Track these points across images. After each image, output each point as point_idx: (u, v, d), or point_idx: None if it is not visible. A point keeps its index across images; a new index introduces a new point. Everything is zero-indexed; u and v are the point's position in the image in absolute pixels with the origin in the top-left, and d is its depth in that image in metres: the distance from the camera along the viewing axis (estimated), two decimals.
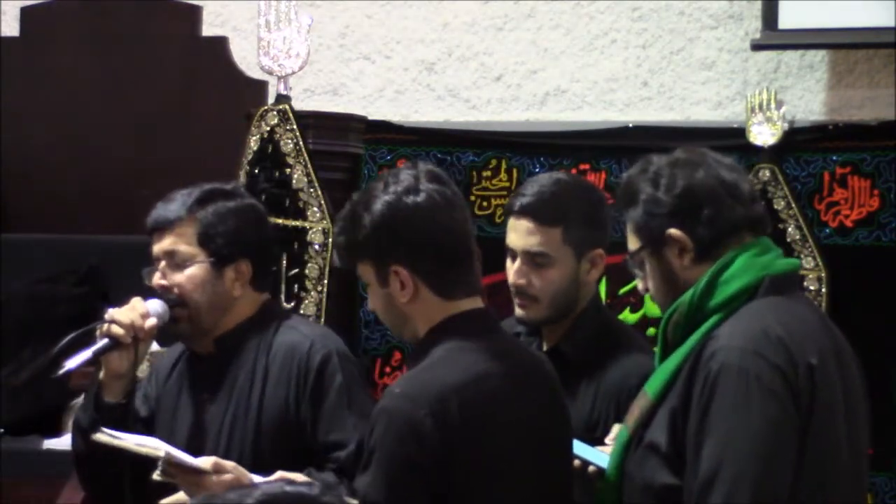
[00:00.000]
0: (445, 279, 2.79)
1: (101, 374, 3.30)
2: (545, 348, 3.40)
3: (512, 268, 3.37)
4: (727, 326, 2.72)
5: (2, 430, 4.71)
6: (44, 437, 4.67)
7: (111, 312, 3.27)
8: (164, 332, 3.38)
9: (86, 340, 3.27)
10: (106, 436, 3.07)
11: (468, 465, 2.69)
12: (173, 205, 3.35)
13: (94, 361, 3.25)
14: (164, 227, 3.33)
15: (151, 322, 3.26)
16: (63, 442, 4.63)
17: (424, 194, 2.78)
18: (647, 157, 2.87)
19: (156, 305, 3.29)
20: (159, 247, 3.33)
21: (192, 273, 3.30)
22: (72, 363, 3.20)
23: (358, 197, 2.85)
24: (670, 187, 2.79)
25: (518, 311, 3.39)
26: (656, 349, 2.86)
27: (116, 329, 3.24)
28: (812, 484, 2.67)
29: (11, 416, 4.74)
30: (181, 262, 3.31)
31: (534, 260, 3.34)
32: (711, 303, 2.75)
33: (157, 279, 3.32)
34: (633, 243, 2.85)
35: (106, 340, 3.25)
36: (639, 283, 2.89)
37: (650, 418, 2.75)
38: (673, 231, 2.78)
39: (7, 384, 4.76)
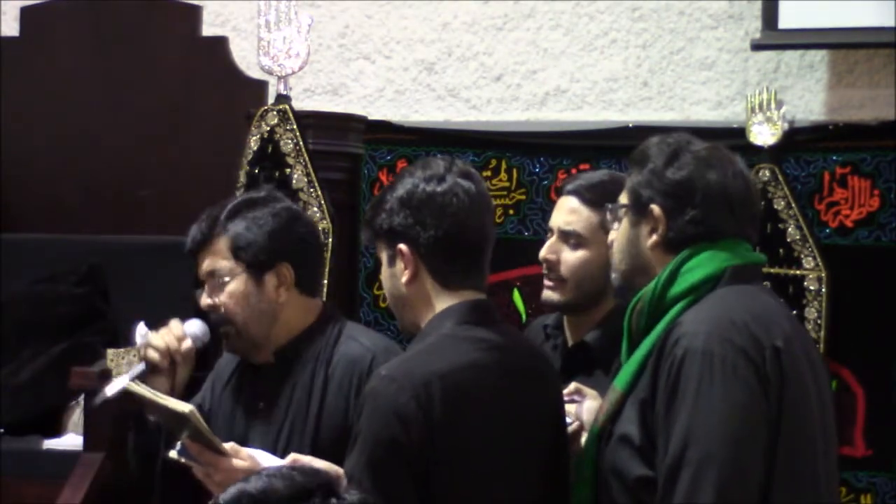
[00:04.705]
0: (448, 269, 2.85)
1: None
2: (570, 343, 3.42)
3: (546, 244, 3.41)
4: (691, 313, 2.73)
5: (2, 430, 4.71)
6: (44, 437, 4.66)
7: (149, 336, 3.26)
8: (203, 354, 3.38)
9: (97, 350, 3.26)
10: (138, 387, 3.07)
11: (449, 449, 2.72)
12: (203, 224, 3.36)
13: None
14: (199, 249, 3.33)
15: (187, 345, 3.25)
16: (63, 442, 4.62)
17: (447, 185, 2.85)
18: (682, 134, 2.89)
19: (194, 327, 3.31)
20: (201, 269, 3.34)
21: (233, 289, 3.30)
22: (110, 390, 3.17)
23: (393, 179, 2.95)
24: (677, 171, 2.81)
25: (545, 294, 3.42)
26: (623, 341, 2.87)
27: (152, 354, 3.24)
28: (789, 470, 2.65)
29: (11, 416, 4.74)
30: (221, 279, 3.30)
31: (567, 239, 3.39)
32: (674, 291, 2.77)
33: (203, 300, 3.33)
34: (623, 197, 2.89)
35: (142, 365, 3.24)
36: (611, 234, 2.94)
37: (620, 410, 2.75)
38: (656, 208, 2.80)
39: (7, 384, 4.77)
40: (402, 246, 2.85)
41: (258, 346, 3.33)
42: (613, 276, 2.91)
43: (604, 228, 3.33)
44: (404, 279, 2.85)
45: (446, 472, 2.71)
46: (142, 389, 3.06)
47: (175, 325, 3.29)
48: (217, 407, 3.38)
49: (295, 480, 2.12)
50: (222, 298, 3.30)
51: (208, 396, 3.43)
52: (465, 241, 2.86)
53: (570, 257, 3.39)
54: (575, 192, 3.41)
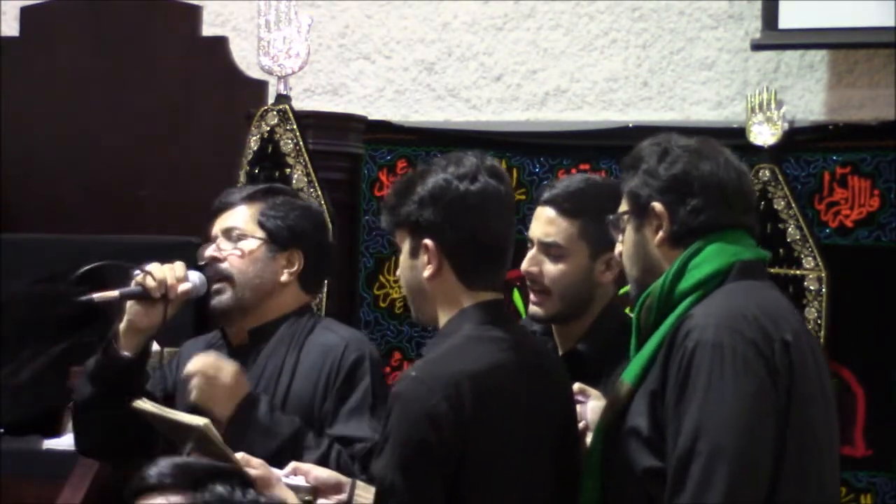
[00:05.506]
0: (471, 268, 2.86)
1: (121, 324, 3.34)
2: (560, 352, 3.41)
3: (527, 256, 3.41)
4: (701, 306, 2.75)
5: (2, 430, 4.71)
6: (44, 437, 4.66)
7: (151, 265, 3.31)
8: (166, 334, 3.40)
9: (107, 277, 3.33)
10: (145, 404, 3.07)
11: (479, 450, 2.73)
12: (240, 190, 3.50)
13: (119, 302, 3.31)
14: (225, 208, 3.43)
15: (185, 286, 3.32)
16: (63, 442, 4.62)
17: (479, 185, 2.85)
18: (668, 134, 2.91)
19: (194, 276, 3.36)
20: (218, 225, 3.43)
21: (244, 247, 3.38)
22: (97, 295, 3.25)
23: (420, 167, 2.95)
24: (671, 166, 2.83)
25: (532, 309, 3.41)
26: (632, 337, 2.88)
27: (149, 281, 3.28)
28: (798, 464, 2.66)
29: (11, 416, 4.74)
30: (237, 237, 3.39)
31: (548, 250, 3.38)
32: (682, 286, 2.79)
33: (209, 251, 3.39)
34: (622, 206, 2.91)
35: (138, 288, 3.28)
36: (617, 247, 2.95)
37: (629, 404, 2.76)
38: (657, 205, 2.82)
39: (7, 384, 4.77)
40: (428, 241, 2.84)
41: (244, 310, 3.38)
42: (630, 286, 2.92)
43: (584, 239, 3.34)
44: (427, 274, 2.86)
45: (474, 472, 2.72)
46: (149, 406, 3.06)
47: (179, 266, 3.34)
48: (183, 388, 3.39)
49: (220, 465, 2.18)
50: (230, 251, 3.37)
51: (171, 373, 3.46)
52: (490, 243, 2.87)
53: (552, 269, 3.37)
54: (552, 202, 3.39)
